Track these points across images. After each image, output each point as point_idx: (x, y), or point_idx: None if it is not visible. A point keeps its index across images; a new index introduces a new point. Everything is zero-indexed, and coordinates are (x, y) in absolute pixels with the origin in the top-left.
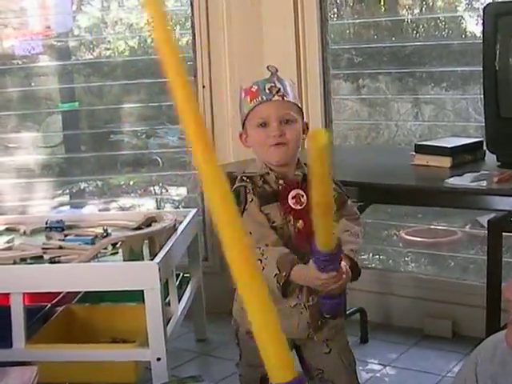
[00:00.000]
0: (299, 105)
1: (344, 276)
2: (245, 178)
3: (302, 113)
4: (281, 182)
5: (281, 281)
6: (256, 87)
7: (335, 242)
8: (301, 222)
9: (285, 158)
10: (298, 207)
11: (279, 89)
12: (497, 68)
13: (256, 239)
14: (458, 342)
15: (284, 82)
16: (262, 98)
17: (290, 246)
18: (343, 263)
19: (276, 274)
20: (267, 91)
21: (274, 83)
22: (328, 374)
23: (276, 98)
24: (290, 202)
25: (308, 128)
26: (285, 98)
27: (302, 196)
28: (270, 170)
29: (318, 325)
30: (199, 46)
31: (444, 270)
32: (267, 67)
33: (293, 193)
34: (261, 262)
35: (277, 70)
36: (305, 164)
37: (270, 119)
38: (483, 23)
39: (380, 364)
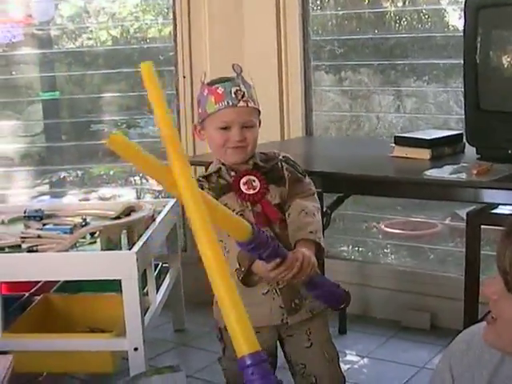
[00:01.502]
0: (259, 108)
1: (299, 260)
2: (201, 178)
3: (260, 112)
4: (232, 173)
5: (240, 276)
6: (222, 90)
7: (249, 229)
8: (258, 205)
9: (242, 159)
10: (252, 191)
11: (244, 93)
12: (477, 61)
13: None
14: (436, 333)
15: (247, 83)
16: (227, 103)
17: None
18: (303, 249)
19: (237, 269)
20: (233, 95)
21: (239, 86)
22: (310, 369)
23: (241, 103)
24: (243, 188)
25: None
26: (249, 105)
27: (254, 181)
28: (222, 164)
29: (291, 307)
30: (180, 36)
31: (423, 263)
32: (232, 66)
33: (244, 179)
34: (223, 254)
35: (241, 71)
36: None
37: (232, 124)
38: (464, 16)
39: (358, 355)
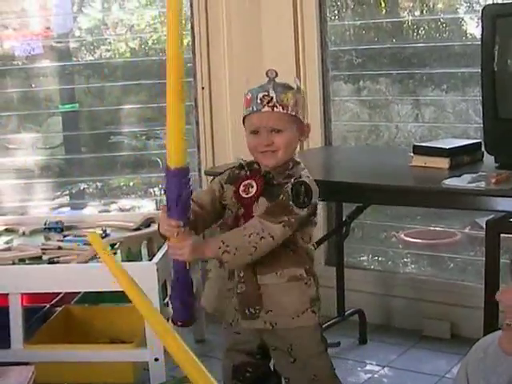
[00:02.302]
0: (293, 113)
1: (179, 232)
2: (241, 162)
3: (298, 118)
4: (247, 171)
5: None
6: (250, 95)
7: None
8: (242, 209)
9: (273, 163)
10: (244, 195)
11: (271, 98)
12: (495, 69)
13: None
14: (457, 343)
15: (279, 89)
16: (252, 109)
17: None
18: (196, 238)
19: None
20: (258, 101)
21: (268, 92)
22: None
23: (266, 109)
24: (240, 188)
25: (309, 129)
26: (274, 109)
27: (252, 187)
28: (257, 163)
29: (245, 313)
30: (198, 47)
31: (443, 272)
32: (266, 72)
33: (246, 181)
34: None
35: (276, 75)
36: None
37: (259, 128)
38: (482, 24)
39: (378, 365)
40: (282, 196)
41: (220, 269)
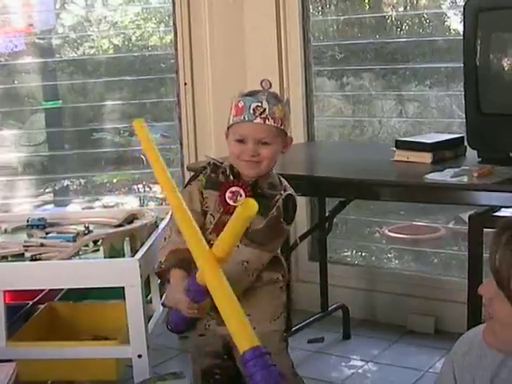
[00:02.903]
0: (281, 126)
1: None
2: (210, 163)
3: (284, 131)
4: (231, 177)
5: (156, 269)
6: (242, 104)
7: None
8: (227, 217)
9: (255, 173)
10: (231, 203)
11: (264, 110)
12: (477, 64)
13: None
14: (441, 337)
15: (272, 100)
16: (243, 118)
17: (212, 236)
18: None
19: (160, 261)
20: (251, 111)
21: (261, 103)
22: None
23: (258, 120)
24: (227, 195)
25: (291, 142)
26: (266, 122)
27: (240, 195)
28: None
29: (220, 320)
30: (181, 43)
31: (426, 267)
32: (261, 82)
33: (233, 188)
34: (164, 239)
35: (270, 86)
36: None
37: (247, 138)
38: (464, 19)
39: (362, 360)
40: (273, 211)
41: None
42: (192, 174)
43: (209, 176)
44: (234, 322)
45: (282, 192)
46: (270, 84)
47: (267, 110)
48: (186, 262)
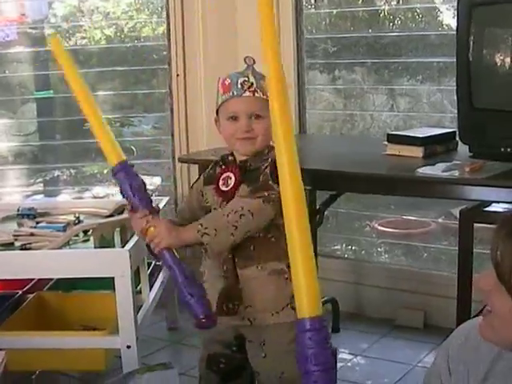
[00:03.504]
0: None
1: (149, 222)
2: (214, 160)
3: None
4: (223, 166)
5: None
6: (229, 81)
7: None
8: (225, 203)
9: (252, 150)
10: (224, 188)
11: (251, 84)
12: (470, 59)
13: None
14: (430, 332)
15: (259, 75)
16: (232, 93)
17: None
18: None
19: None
20: (239, 86)
21: (248, 77)
22: (262, 379)
23: (247, 94)
24: (220, 182)
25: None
26: (255, 94)
27: (230, 178)
28: (228, 155)
29: (222, 309)
30: (174, 34)
31: (416, 261)
32: (244, 59)
33: (224, 175)
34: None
35: (254, 62)
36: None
37: (239, 114)
38: (457, 14)
39: (351, 354)
40: (261, 176)
41: (214, 268)
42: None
43: (208, 172)
44: (304, 282)
45: (270, 159)
46: (254, 60)
47: (255, 84)
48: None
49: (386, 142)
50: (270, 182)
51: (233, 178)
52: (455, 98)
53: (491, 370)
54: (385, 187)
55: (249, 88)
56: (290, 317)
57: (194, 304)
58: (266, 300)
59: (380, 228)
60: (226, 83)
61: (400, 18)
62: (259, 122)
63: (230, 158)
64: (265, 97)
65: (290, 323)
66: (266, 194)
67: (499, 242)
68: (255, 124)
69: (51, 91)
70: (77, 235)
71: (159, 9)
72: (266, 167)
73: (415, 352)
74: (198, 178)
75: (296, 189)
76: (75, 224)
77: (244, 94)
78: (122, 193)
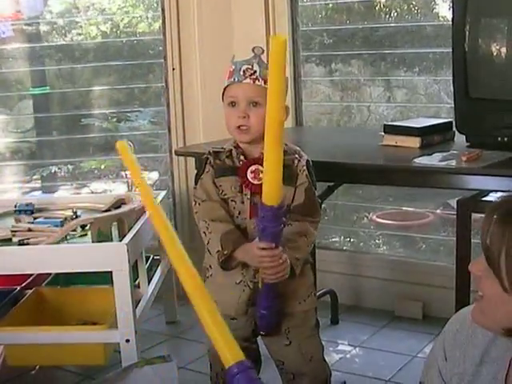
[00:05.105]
0: None
1: (282, 259)
2: (210, 151)
3: None
4: (242, 157)
5: (221, 258)
6: (233, 67)
7: (279, 198)
8: (258, 196)
9: (248, 139)
10: (256, 182)
11: (254, 71)
12: (466, 49)
13: (205, 210)
14: (429, 323)
15: (264, 64)
16: (233, 79)
17: (241, 219)
18: (285, 255)
19: (218, 251)
20: (241, 73)
21: (252, 65)
22: (288, 366)
23: (247, 80)
24: (249, 176)
25: (288, 112)
26: (256, 82)
27: (261, 172)
28: (237, 146)
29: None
30: (169, 28)
31: (415, 252)
32: (253, 49)
33: (252, 167)
34: (205, 234)
35: (262, 52)
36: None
37: (238, 99)
38: (453, 4)
39: (350, 345)
40: (305, 182)
41: (236, 274)
42: (196, 169)
43: (215, 164)
44: (219, 337)
45: (297, 156)
46: (263, 50)
47: (257, 72)
48: (241, 239)
49: (382, 133)
50: (313, 190)
51: None
52: (452, 89)
53: (486, 355)
54: (382, 178)
55: (251, 75)
56: (313, 303)
57: (265, 318)
58: (295, 289)
59: (378, 220)
60: (231, 70)
61: (396, 10)
62: (255, 110)
63: (239, 149)
64: (265, 85)
65: (313, 309)
66: (318, 219)
67: (489, 227)
68: (251, 112)
69: (47, 87)
70: (74, 230)
71: (155, 4)
72: (300, 167)
73: (414, 343)
74: (203, 171)
75: None
76: (72, 219)
77: (244, 81)
78: (259, 228)
